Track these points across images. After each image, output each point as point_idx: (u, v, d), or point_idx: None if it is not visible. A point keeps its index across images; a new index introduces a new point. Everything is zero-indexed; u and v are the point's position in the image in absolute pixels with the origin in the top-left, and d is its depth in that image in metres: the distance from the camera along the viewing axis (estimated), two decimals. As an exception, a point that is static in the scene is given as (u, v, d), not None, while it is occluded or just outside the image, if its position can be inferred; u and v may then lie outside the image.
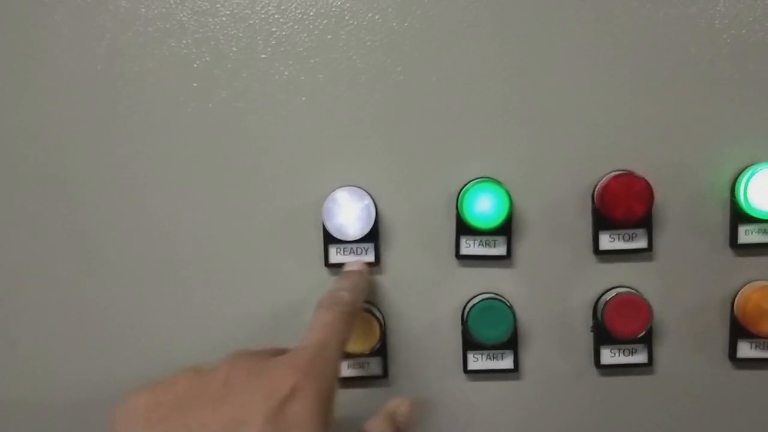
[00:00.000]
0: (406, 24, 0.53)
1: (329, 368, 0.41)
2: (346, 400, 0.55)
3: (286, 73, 0.53)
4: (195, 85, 0.54)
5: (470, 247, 0.54)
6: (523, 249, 0.54)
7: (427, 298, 0.55)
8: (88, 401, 0.55)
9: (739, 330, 0.53)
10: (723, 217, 0.53)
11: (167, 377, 0.40)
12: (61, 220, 0.55)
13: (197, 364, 0.41)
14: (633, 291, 0.53)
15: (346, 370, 0.55)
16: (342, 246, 0.54)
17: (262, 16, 0.53)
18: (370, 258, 0.54)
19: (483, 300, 0.52)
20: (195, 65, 0.53)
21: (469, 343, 0.55)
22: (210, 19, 0.53)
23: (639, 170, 0.51)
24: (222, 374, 0.39)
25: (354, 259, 0.54)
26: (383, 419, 0.45)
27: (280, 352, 0.42)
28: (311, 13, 0.53)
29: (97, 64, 0.54)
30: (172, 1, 0.53)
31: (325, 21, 0.53)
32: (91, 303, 0.56)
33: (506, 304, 0.52)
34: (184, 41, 0.53)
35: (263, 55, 0.53)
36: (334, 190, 0.52)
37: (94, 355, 0.56)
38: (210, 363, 0.41)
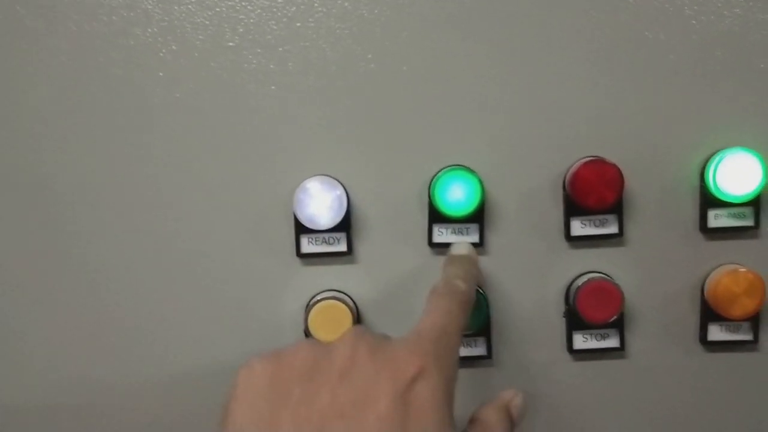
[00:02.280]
0: (376, 11, 0.52)
1: (452, 354, 0.41)
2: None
3: (255, 62, 0.53)
4: (161, 74, 0.53)
5: (443, 235, 0.54)
6: (495, 236, 0.54)
7: (401, 287, 0.55)
8: (66, 403, 0.55)
9: (709, 313, 0.54)
10: (693, 202, 0.54)
11: (288, 347, 0.40)
12: (33, 212, 0.54)
13: (317, 340, 0.41)
14: (604, 277, 0.53)
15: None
16: (314, 236, 0.54)
17: (229, 3, 0.52)
18: (343, 248, 0.54)
19: (456, 288, 0.52)
20: (161, 54, 0.52)
21: (443, 331, 0.55)
22: (176, 7, 0.52)
23: (610, 157, 0.51)
24: (346, 350, 0.39)
25: (459, 239, 0.53)
26: (498, 409, 0.44)
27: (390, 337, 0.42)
28: (279, 1, 0.52)
29: (61, 56, 0.52)
30: (136, -10, 0.52)
31: (294, 8, 0.52)
32: (61, 300, 0.55)
33: (480, 292, 0.52)
34: (149, 30, 0.52)
35: (231, 44, 0.52)
36: (305, 180, 0.52)
37: (68, 355, 0.55)
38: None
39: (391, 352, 0.39)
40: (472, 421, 0.43)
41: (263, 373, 0.39)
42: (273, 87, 0.53)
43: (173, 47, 0.52)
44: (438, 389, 0.38)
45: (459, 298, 0.45)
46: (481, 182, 0.51)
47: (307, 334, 0.52)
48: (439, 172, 0.53)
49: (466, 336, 0.55)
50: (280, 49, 0.53)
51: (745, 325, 0.54)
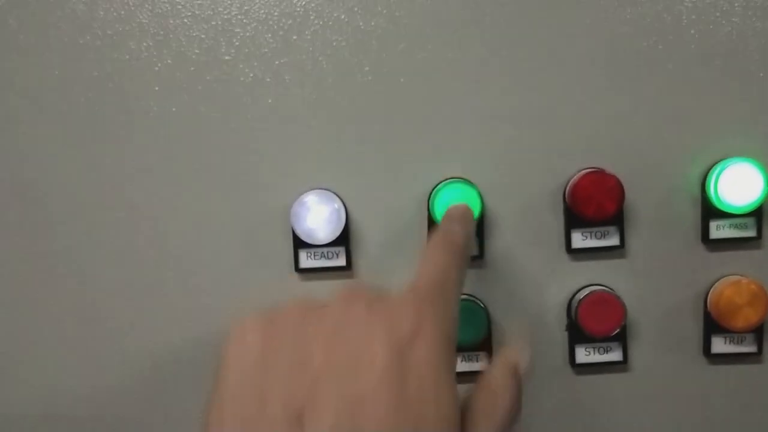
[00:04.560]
0: (372, 23, 0.52)
1: (451, 309, 0.38)
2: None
3: (251, 75, 0.52)
4: (156, 88, 0.52)
5: (442, 248, 0.53)
6: (494, 249, 0.54)
7: (400, 301, 0.54)
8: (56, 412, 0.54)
9: (712, 325, 0.53)
10: (694, 213, 0.53)
11: (275, 309, 0.38)
12: (21, 222, 0.54)
13: (308, 298, 0.38)
14: (606, 289, 0.53)
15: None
16: (312, 251, 0.53)
17: (225, 17, 0.52)
18: (341, 262, 0.53)
19: (456, 302, 0.52)
20: (156, 68, 0.52)
21: (444, 346, 0.54)
22: (171, 21, 0.52)
23: (610, 168, 0.51)
24: (338, 307, 0.37)
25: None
26: (504, 372, 0.40)
27: (386, 292, 0.39)
28: (275, 14, 0.52)
29: (54, 70, 0.52)
30: (131, 3, 0.52)
31: (290, 21, 0.52)
32: (49, 306, 0.54)
33: (480, 305, 0.52)
34: (144, 44, 0.52)
35: (227, 57, 0.52)
36: (302, 193, 0.51)
37: (58, 367, 0.55)
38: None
39: (387, 310, 0.36)
40: (478, 385, 0.40)
41: (254, 337, 0.36)
42: (270, 100, 0.52)
43: (168, 61, 0.52)
44: (437, 347, 0.35)
45: (455, 250, 0.42)
46: (480, 194, 0.51)
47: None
48: (438, 184, 0.52)
49: (465, 351, 0.54)
50: (277, 62, 0.52)
51: (749, 336, 0.54)
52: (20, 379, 0.55)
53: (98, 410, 0.55)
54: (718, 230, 0.53)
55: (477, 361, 0.54)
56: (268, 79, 0.52)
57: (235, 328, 0.37)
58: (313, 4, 0.52)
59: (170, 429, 0.55)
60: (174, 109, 0.52)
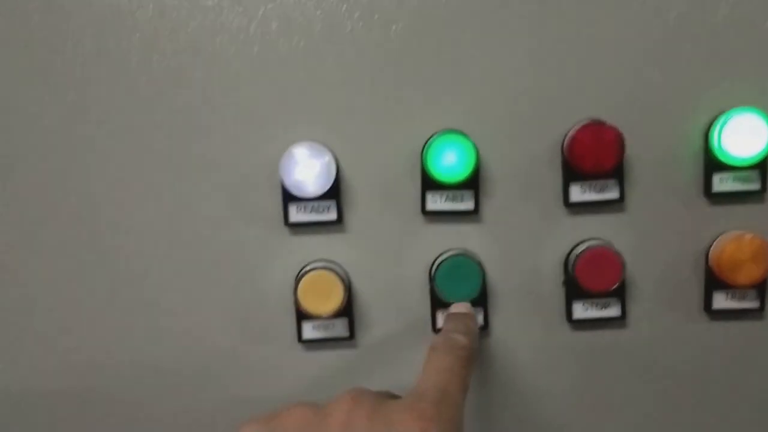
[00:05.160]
0: (364, -32, 0.50)
1: (454, 414, 0.38)
2: (311, 362, 0.55)
3: (236, 22, 0.50)
4: (137, 36, 0.50)
5: (436, 202, 0.52)
6: (491, 203, 0.52)
7: (393, 257, 0.53)
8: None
9: (714, 281, 0.52)
10: (696, 166, 0.51)
11: (282, 411, 0.39)
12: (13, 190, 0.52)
13: (313, 401, 0.39)
14: (605, 244, 0.51)
15: (311, 332, 0.54)
16: (302, 204, 0.52)
17: (208, -39, 0.50)
18: (332, 216, 0.52)
19: (450, 257, 0.51)
20: (136, 16, 0.50)
21: (438, 302, 0.53)
22: (152, -34, 0.50)
23: (610, 119, 0.49)
24: (341, 414, 0.37)
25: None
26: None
27: (393, 396, 0.40)
28: (261, -43, 0.50)
29: (34, 15, 0.50)
30: (110, -53, 0.50)
31: (277, -35, 0.50)
32: (37, 279, 0.53)
33: (475, 261, 0.51)
34: (125, -10, 0.50)
35: (210, 3, 0.50)
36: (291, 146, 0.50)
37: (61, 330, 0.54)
38: (324, 401, 0.39)
39: (389, 416, 0.36)
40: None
41: None
42: (255, 49, 0.50)
43: (150, 7, 0.50)
44: None
45: (459, 354, 0.42)
46: (475, 147, 0.49)
47: (297, 305, 0.51)
48: (431, 136, 0.51)
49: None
50: (263, 8, 0.50)
51: (751, 292, 0.53)
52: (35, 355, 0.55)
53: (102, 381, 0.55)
54: (721, 183, 0.51)
55: (471, 318, 0.53)
56: (254, 27, 0.50)
57: (241, 426, 0.38)
58: (300, -53, 0.50)
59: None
60: (155, 58, 0.51)
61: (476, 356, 0.46)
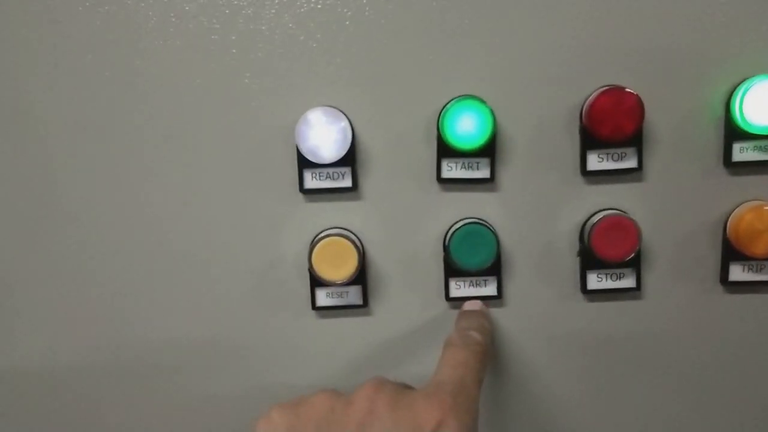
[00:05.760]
0: (381, -67, 0.49)
1: (471, 406, 0.40)
2: (324, 330, 0.54)
3: (252, -16, 0.50)
4: (150, 13, 0.50)
5: (452, 170, 0.52)
6: (507, 171, 0.52)
7: (408, 225, 0.53)
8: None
9: (731, 252, 0.52)
10: (716, 135, 0.51)
11: (306, 397, 0.41)
12: (21, 157, 0.52)
13: (336, 390, 0.41)
14: (621, 213, 0.51)
15: (324, 299, 0.53)
16: (317, 171, 0.52)
17: None
18: (347, 183, 0.52)
19: (465, 225, 0.50)
20: (153, -19, 0.50)
21: (452, 270, 0.53)
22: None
23: (629, 85, 0.48)
24: (364, 402, 0.39)
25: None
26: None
27: (410, 387, 0.42)
28: None
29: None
30: None
31: (294, -73, 0.49)
32: (63, 248, 0.53)
33: (489, 229, 0.50)
34: (141, -48, 0.50)
35: (226, -34, 0.50)
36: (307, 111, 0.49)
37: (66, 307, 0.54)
38: (347, 391, 0.41)
39: (410, 404, 0.39)
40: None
41: (280, 420, 0.39)
42: (273, 10, 0.50)
43: (166, -29, 0.50)
44: None
45: (475, 349, 0.45)
46: (492, 113, 0.49)
47: (311, 272, 0.50)
48: (448, 102, 0.50)
49: (474, 275, 0.53)
50: (280, -30, 0.50)
51: (769, 264, 0.52)
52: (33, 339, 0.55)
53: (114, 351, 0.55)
54: (742, 153, 0.50)
55: (486, 286, 0.53)
56: (271, -10, 0.50)
57: (262, 417, 0.40)
58: None
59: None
60: (173, 20, 0.50)
61: (490, 352, 0.47)
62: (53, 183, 0.53)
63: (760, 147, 0.50)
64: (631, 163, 0.51)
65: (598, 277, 0.53)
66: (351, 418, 0.38)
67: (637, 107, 0.48)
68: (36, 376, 0.55)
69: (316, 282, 0.53)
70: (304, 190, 0.52)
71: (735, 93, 0.49)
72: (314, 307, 0.54)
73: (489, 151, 0.51)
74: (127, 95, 0.51)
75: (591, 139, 0.50)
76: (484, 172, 0.52)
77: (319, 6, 0.50)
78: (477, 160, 0.51)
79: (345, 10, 0.50)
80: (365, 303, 0.54)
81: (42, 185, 0.53)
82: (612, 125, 0.48)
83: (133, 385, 0.56)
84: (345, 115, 0.50)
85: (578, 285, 0.53)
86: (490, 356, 0.47)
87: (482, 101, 0.49)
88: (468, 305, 0.53)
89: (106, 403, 0.56)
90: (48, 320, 0.55)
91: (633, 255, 0.50)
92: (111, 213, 0.53)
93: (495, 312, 0.54)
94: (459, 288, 0.53)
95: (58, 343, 0.55)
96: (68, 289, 0.54)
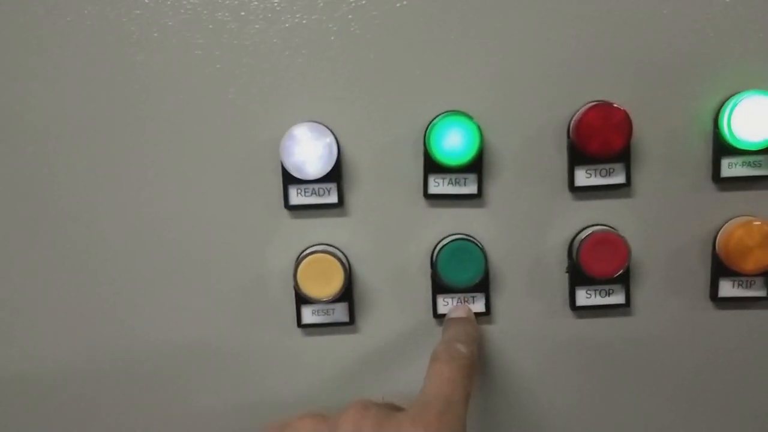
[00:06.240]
0: (367, -55, 0.49)
1: (457, 425, 0.40)
2: (310, 348, 0.54)
3: (237, -1, 0.49)
4: (138, 12, 0.49)
5: (439, 186, 0.51)
6: (494, 187, 0.51)
7: (395, 241, 0.52)
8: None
9: (721, 268, 0.51)
10: (705, 151, 0.50)
11: (292, 422, 0.40)
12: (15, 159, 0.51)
13: (321, 412, 0.40)
14: (610, 229, 0.50)
15: (310, 316, 0.53)
16: (303, 187, 0.51)
17: (209, -65, 0.49)
18: (333, 199, 0.51)
19: (453, 241, 0.50)
20: (137, -8, 0.49)
21: (439, 287, 0.52)
22: (152, -60, 0.49)
23: (617, 100, 0.48)
24: (350, 426, 0.38)
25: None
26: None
27: (396, 407, 0.41)
28: (263, -67, 0.49)
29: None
30: None
31: (279, -59, 0.49)
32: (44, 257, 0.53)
33: (477, 246, 0.50)
34: (124, -34, 0.49)
35: (211, -21, 0.49)
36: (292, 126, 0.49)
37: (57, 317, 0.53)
38: (331, 411, 0.40)
39: (396, 428, 0.38)
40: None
41: None
42: (257, 26, 0.50)
43: (150, -17, 0.49)
44: None
45: (461, 363, 0.44)
46: (479, 128, 0.48)
47: (296, 289, 0.50)
48: (435, 118, 0.50)
49: (462, 292, 0.52)
50: (264, -16, 0.49)
51: (759, 280, 0.52)
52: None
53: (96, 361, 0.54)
54: (730, 168, 0.50)
55: (474, 303, 0.52)
56: (256, 4, 0.49)
57: None
58: (303, -77, 0.49)
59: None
60: (155, 35, 0.49)
61: (477, 363, 0.47)
62: (41, 191, 0.52)
63: (749, 162, 0.50)
64: (619, 178, 0.50)
65: (587, 293, 0.52)
66: None
67: (625, 123, 0.47)
68: (30, 377, 0.55)
69: (301, 299, 0.52)
70: (289, 206, 0.51)
71: (723, 108, 0.49)
72: (300, 324, 0.53)
73: (476, 166, 0.50)
74: (109, 111, 0.51)
75: (579, 154, 0.49)
76: (471, 188, 0.51)
77: (304, 21, 0.49)
78: (464, 175, 0.51)
79: (330, 25, 0.49)
80: (352, 320, 0.53)
81: (28, 194, 0.52)
82: (600, 141, 0.47)
83: (116, 395, 0.55)
84: (330, 130, 0.49)
85: (567, 301, 0.53)
86: (476, 367, 0.46)
87: (469, 117, 0.49)
88: (454, 311, 0.52)
89: (95, 405, 0.55)
90: (43, 322, 0.54)
91: (622, 271, 0.49)
92: (97, 226, 0.52)
93: (483, 329, 0.53)
94: (447, 305, 0.53)
95: (49, 345, 0.54)
96: (60, 292, 0.53)
